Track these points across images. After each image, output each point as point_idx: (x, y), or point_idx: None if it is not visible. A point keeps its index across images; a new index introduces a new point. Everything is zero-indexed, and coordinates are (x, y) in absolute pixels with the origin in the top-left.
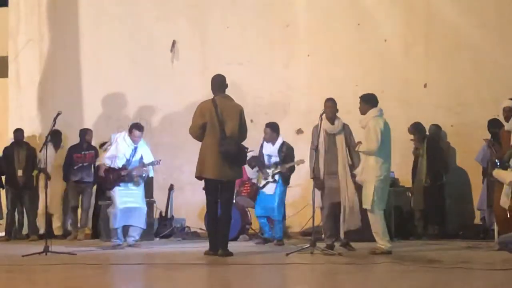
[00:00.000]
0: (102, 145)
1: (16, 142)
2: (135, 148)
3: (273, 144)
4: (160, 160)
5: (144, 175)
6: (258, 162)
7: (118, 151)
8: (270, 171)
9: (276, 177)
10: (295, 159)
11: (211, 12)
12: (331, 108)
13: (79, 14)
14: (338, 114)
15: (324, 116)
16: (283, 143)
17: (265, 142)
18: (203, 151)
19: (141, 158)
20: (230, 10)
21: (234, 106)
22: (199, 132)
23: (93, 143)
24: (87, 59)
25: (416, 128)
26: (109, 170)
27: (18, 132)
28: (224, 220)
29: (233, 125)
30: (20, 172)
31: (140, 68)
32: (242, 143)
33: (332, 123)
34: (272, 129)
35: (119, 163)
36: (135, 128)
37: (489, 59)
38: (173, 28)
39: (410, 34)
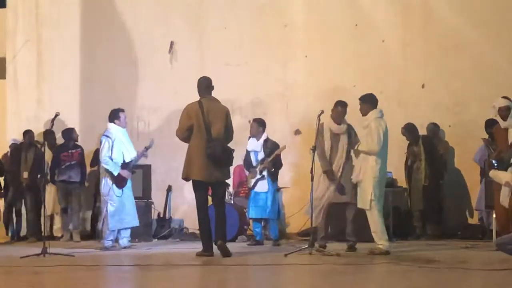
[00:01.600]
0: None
1: (25, 144)
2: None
3: (258, 139)
4: (153, 139)
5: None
6: (245, 162)
7: (125, 144)
8: (257, 169)
9: (264, 173)
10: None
11: (209, 13)
12: (343, 114)
13: (77, 15)
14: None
15: (322, 116)
16: (267, 139)
17: (250, 138)
18: (190, 153)
19: None
20: (228, 11)
21: (220, 108)
22: (185, 134)
23: (93, 145)
24: (84, 60)
25: (409, 130)
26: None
27: (28, 134)
28: (220, 218)
29: (219, 127)
30: (25, 174)
31: (139, 69)
32: (229, 144)
33: (339, 123)
34: (259, 123)
35: (133, 153)
36: (120, 112)
37: (487, 59)
38: (171, 29)
39: (408, 35)
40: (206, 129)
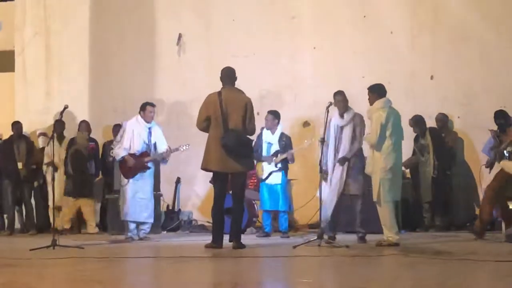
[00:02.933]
0: (109, 142)
1: (16, 135)
2: (150, 130)
3: (273, 132)
4: (188, 145)
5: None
6: (256, 154)
7: (134, 135)
8: (273, 160)
9: (279, 165)
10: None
11: (217, 5)
12: (341, 102)
13: (85, 7)
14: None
15: (331, 108)
16: (283, 133)
17: (264, 130)
18: (208, 144)
19: (155, 143)
20: (236, 3)
21: (240, 98)
22: (203, 125)
23: (101, 137)
24: (93, 52)
25: (416, 122)
26: (131, 157)
27: (17, 125)
28: (237, 213)
29: (237, 118)
30: (20, 165)
31: (147, 61)
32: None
33: (342, 116)
34: (274, 116)
35: (137, 147)
36: (149, 105)
37: (495, 50)
38: (179, 21)
39: (417, 26)
40: (223, 120)
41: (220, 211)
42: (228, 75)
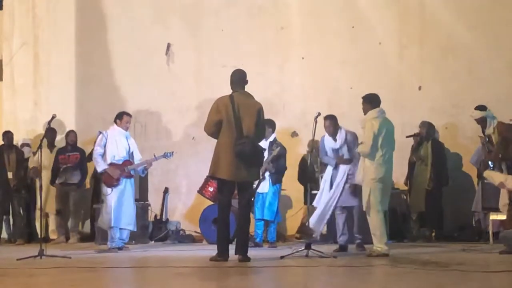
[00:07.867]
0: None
1: (6, 145)
2: (127, 138)
3: (266, 140)
4: (173, 152)
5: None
6: None
7: (116, 143)
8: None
9: (265, 175)
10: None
11: (205, 15)
12: (329, 127)
13: (73, 17)
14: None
15: (318, 118)
16: (274, 140)
17: None
18: (217, 150)
19: (132, 153)
20: (225, 13)
21: (253, 103)
22: (213, 129)
23: (89, 146)
24: (81, 61)
25: (426, 125)
26: (114, 166)
27: (8, 135)
28: (243, 225)
29: (250, 123)
30: (10, 175)
31: (135, 71)
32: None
33: (334, 139)
34: (269, 125)
35: (122, 154)
36: (126, 114)
37: (483, 61)
38: (168, 31)
39: (405, 37)
40: (236, 125)
41: (226, 222)
42: (239, 78)
